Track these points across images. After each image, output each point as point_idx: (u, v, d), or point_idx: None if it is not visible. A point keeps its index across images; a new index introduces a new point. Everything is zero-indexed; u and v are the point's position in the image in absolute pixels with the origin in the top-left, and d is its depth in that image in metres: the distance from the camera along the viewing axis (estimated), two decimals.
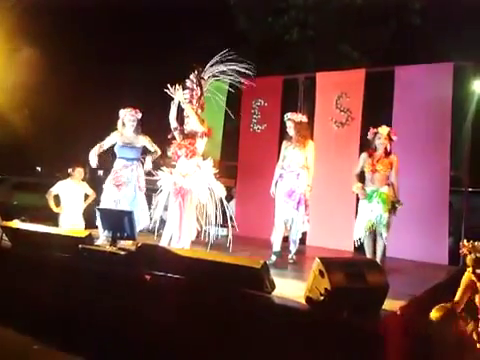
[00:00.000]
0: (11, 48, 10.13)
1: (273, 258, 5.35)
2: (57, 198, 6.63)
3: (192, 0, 10.67)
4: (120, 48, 12.21)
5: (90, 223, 6.47)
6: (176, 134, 5.43)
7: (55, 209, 6.50)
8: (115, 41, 12.01)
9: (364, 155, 5.34)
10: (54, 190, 6.56)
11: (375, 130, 5.30)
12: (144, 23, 12.13)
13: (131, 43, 12.38)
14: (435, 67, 6.59)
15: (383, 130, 5.25)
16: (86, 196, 6.76)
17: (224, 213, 5.27)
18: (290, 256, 5.58)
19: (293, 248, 5.58)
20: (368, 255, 5.20)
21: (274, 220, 5.62)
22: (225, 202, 5.26)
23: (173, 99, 5.48)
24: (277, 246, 5.48)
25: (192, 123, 5.30)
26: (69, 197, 6.58)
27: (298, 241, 5.63)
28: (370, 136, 5.34)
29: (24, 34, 10.28)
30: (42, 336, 3.14)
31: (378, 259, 4.91)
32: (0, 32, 9.60)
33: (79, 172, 6.63)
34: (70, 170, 6.70)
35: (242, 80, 5.69)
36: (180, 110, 5.51)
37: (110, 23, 11.80)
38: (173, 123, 5.45)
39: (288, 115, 5.63)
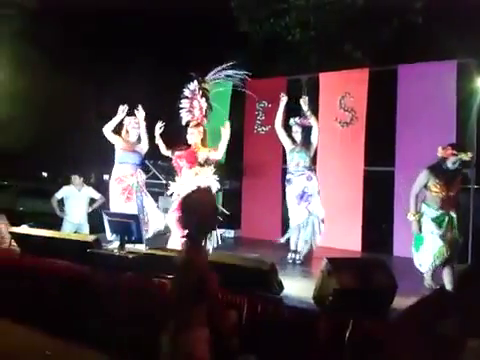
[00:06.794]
0: (14, 53, 10.18)
1: (295, 256, 5.50)
2: (61, 203, 6.82)
3: (193, 2, 10.69)
4: (123, 52, 12.26)
5: (96, 227, 6.59)
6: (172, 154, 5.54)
7: (59, 213, 6.70)
8: (118, 45, 12.06)
9: (428, 173, 4.53)
10: (58, 195, 6.79)
11: (452, 151, 4.47)
12: (145, 26, 12.16)
13: (133, 48, 12.43)
14: (439, 65, 6.58)
15: (466, 156, 4.46)
16: (93, 200, 6.88)
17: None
18: (299, 257, 5.60)
19: (305, 249, 5.59)
20: (448, 286, 4.38)
21: (279, 222, 5.69)
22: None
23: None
24: (293, 246, 5.60)
25: (194, 136, 5.39)
26: (72, 202, 6.75)
27: (310, 242, 5.64)
28: (443, 154, 4.54)
29: (27, 38, 10.33)
30: (57, 335, 3.17)
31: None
32: (2, 38, 9.66)
33: (75, 179, 6.82)
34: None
35: (242, 85, 5.86)
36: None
37: (113, 27, 11.85)
38: (167, 153, 5.55)
39: (296, 120, 5.64)
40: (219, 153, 5.33)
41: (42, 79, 10.62)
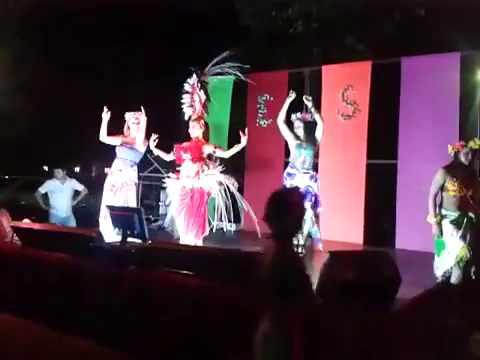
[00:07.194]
0: (12, 48, 10.15)
1: (297, 250, 5.52)
2: (46, 197, 6.87)
3: None
4: (122, 46, 12.23)
5: (81, 220, 6.71)
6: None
7: (44, 207, 6.75)
8: (117, 40, 12.02)
9: (443, 172, 4.34)
10: (41, 190, 6.83)
11: (461, 143, 4.38)
12: (145, 21, 12.12)
13: (133, 41, 12.39)
14: (442, 57, 6.56)
15: (474, 144, 4.32)
16: (77, 193, 6.94)
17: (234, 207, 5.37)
18: (301, 250, 5.61)
19: (320, 244, 5.63)
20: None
21: None
22: (239, 195, 5.32)
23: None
24: (295, 239, 5.61)
25: (196, 130, 5.38)
26: (57, 196, 6.79)
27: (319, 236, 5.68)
28: (454, 149, 4.40)
29: (24, 33, 10.31)
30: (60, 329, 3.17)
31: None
32: (3, 33, 9.63)
33: (58, 172, 6.85)
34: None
35: (244, 77, 5.86)
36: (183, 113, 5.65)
37: (114, 22, 11.81)
38: (170, 158, 5.54)
39: (297, 115, 5.60)
40: (227, 154, 5.34)
41: (43, 73, 10.60)
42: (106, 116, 5.77)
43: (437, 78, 6.42)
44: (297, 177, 5.57)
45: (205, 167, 5.29)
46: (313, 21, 9.85)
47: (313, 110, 5.51)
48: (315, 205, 5.53)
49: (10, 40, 10.07)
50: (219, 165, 5.36)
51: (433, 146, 6.32)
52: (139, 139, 5.76)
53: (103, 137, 5.83)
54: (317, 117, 5.48)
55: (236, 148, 5.27)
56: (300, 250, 5.58)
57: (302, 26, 9.93)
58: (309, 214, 5.52)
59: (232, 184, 5.26)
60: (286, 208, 2.27)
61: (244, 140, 5.22)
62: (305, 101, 5.58)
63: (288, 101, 5.61)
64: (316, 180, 5.57)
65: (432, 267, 4.78)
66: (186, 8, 11.20)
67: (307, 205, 5.49)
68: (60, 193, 6.81)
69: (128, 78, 11.56)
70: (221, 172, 5.33)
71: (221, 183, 5.24)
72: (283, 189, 2.43)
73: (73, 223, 6.81)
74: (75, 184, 6.95)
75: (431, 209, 4.36)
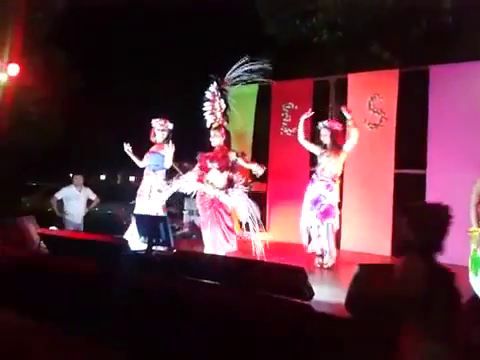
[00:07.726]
0: (44, 56, 10.34)
1: (322, 260, 5.43)
2: (61, 203, 7.01)
3: (219, 6, 10.71)
4: (150, 57, 12.38)
5: (89, 227, 6.84)
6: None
7: (59, 214, 6.83)
8: (146, 51, 12.19)
9: None
10: (58, 196, 6.95)
11: None
12: (171, 31, 12.25)
13: (161, 51, 12.54)
14: (471, 65, 6.41)
15: None
16: (90, 201, 7.05)
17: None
18: (325, 261, 5.51)
19: (328, 259, 5.49)
20: None
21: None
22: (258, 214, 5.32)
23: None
24: (318, 250, 5.54)
25: (217, 139, 5.39)
26: (73, 203, 6.90)
27: (333, 250, 5.53)
28: None
29: (57, 42, 10.51)
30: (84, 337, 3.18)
31: None
32: (31, 41, 9.83)
33: (77, 179, 6.98)
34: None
35: (268, 82, 5.87)
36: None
37: (142, 32, 11.97)
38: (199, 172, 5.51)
39: (324, 123, 5.56)
40: (247, 166, 5.48)
41: (73, 82, 10.80)
42: (129, 149, 6.08)
43: (466, 86, 6.28)
44: (316, 183, 5.55)
45: (235, 183, 5.29)
46: (338, 29, 9.77)
47: (351, 123, 5.47)
48: (325, 215, 5.42)
49: (42, 48, 10.27)
50: (247, 184, 5.38)
51: (463, 156, 6.16)
52: (167, 164, 5.95)
53: (139, 164, 6.15)
54: (353, 130, 5.44)
55: (256, 168, 5.32)
56: (324, 261, 5.48)
57: (327, 34, 9.85)
58: (316, 223, 5.44)
59: (253, 211, 5.27)
60: (437, 222, 2.22)
61: (262, 171, 5.28)
62: (345, 113, 5.51)
63: (303, 118, 5.63)
64: (332, 190, 5.47)
65: (465, 281, 4.58)
66: (210, 17, 11.28)
67: (314, 213, 5.44)
68: (77, 200, 6.94)
69: (154, 88, 11.68)
70: (249, 195, 5.35)
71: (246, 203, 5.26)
72: (432, 203, 2.35)
73: (81, 229, 6.97)
74: (89, 193, 7.10)
75: (474, 220, 3.91)
